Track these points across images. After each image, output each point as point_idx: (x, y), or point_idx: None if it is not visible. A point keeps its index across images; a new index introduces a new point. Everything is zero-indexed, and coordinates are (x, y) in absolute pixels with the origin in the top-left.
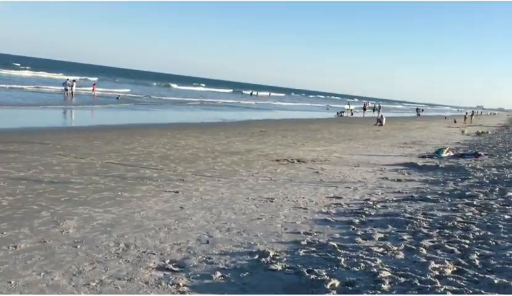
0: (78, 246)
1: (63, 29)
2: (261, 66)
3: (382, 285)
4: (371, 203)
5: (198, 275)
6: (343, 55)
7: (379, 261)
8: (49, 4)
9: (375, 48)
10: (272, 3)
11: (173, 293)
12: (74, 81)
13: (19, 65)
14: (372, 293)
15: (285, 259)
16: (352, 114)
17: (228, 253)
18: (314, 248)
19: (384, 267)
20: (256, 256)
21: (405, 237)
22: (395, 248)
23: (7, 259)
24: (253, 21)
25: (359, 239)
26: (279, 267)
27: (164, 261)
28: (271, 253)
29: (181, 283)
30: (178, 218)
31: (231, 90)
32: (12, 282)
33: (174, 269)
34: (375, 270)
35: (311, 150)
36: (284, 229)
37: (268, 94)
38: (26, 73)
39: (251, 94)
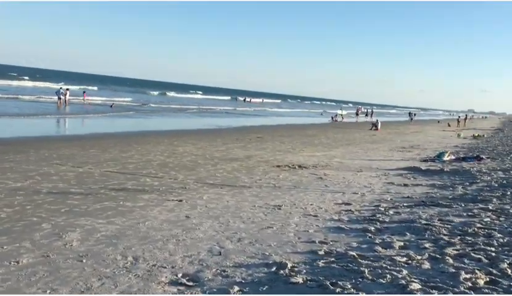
0: (84, 261)
1: (61, 39)
2: (257, 73)
3: None
4: (383, 209)
5: (215, 289)
6: (337, 61)
7: (405, 271)
8: (47, 12)
9: (367, 53)
10: (266, 7)
11: None
12: (67, 89)
13: (16, 74)
14: None
15: (304, 271)
16: (343, 118)
17: (243, 265)
18: (333, 259)
19: (412, 279)
20: (274, 268)
21: (427, 245)
22: (419, 257)
23: (10, 276)
24: (248, 28)
25: (379, 248)
26: (300, 280)
27: (176, 275)
28: (289, 265)
29: None
30: (185, 228)
31: (229, 97)
32: None
33: (188, 283)
34: (403, 282)
35: (311, 155)
36: (298, 238)
37: (261, 100)
38: (24, 83)
39: (244, 100)
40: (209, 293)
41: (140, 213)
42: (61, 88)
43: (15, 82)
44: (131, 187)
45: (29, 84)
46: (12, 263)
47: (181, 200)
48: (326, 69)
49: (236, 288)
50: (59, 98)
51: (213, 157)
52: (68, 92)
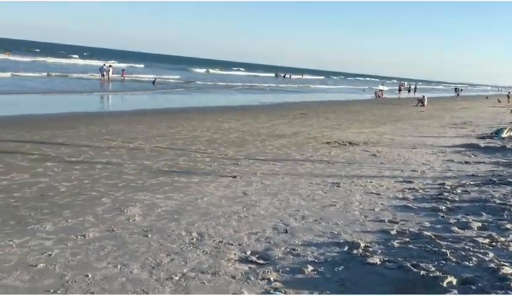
0: (149, 236)
1: (109, 17)
2: (300, 49)
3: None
4: (449, 187)
5: (288, 269)
6: (381, 37)
7: (491, 254)
8: None
9: (410, 29)
10: None
11: (266, 290)
12: (110, 66)
13: (64, 52)
14: (503, 294)
15: (379, 251)
16: (382, 94)
17: (312, 243)
18: (408, 239)
19: (502, 262)
20: (346, 248)
21: (508, 226)
22: (503, 239)
23: (79, 250)
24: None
25: (456, 228)
26: (377, 261)
27: (245, 253)
28: (362, 244)
29: (271, 278)
30: (245, 205)
31: (272, 74)
32: (89, 276)
33: (258, 261)
34: (492, 265)
35: (359, 132)
36: (364, 216)
37: (300, 76)
38: (73, 61)
39: (284, 76)
40: (282, 272)
41: (196, 189)
42: (104, 65)
43: (63, 61)
44: (183, 163)
45: (79, 61)
46: (79, 237)
47: (235, 176)
48: (370, 46)
49: (310, 267)
50: (102, 75)
51: (259, 133)
52: (111, 68)
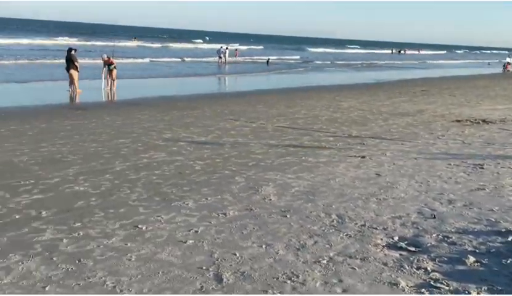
0: (288, 216)
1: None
2: (419, 24)
3: None
4: None
5: (445, 258)
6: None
7: None
8: None
9: None
10: None
11: (425, 281)
12: (227, 48)
13: (187, 37)
14: None
15: None
16: (507, 68)
17: (468, 231)
18: None
19: None
20: (511, 238)
21: None
22: None
23: (222, 228)
24: None
25: None
26: None
27: (392, 238)
28: None
29: (428, 268)
30: (381, 187)
31: (389, 51)
32: (237, 254)
33: (409, 248)
34: None
35: (492, 108)
36: None
37: (417, 51)
38: (194, 45)
39: (399, 52)
40: (439, 262)
41: (326, 169)
42: (221, 47)
43: (189, 45)
44: (307, 142)
45: (202, 46)
46: (220, 215)
47: (364, 156)
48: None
49: (471, 258)
50: (220, 57)
51: (380, 112)
52: (227, 51)
